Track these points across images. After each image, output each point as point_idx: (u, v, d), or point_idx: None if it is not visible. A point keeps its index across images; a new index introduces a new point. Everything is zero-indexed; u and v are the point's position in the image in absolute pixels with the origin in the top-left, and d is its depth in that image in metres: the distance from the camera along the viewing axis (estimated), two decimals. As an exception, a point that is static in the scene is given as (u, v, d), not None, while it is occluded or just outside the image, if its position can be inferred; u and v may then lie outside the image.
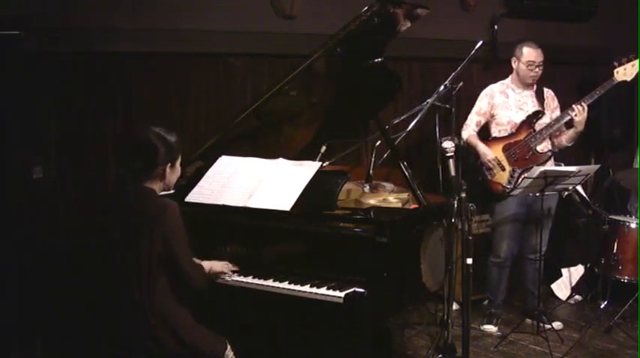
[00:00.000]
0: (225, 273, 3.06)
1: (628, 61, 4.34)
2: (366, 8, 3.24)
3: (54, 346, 3.71)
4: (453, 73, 3.79)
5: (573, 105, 4.34)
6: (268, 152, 3.46)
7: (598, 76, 4.39)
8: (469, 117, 4.04)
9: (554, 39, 6.04)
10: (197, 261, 2.91)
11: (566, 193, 4.77)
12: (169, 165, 2.77)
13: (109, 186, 3.88)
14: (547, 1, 5.84)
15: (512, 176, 4.40)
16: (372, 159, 3.75)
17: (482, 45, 3.77)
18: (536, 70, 4.43)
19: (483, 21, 5.64)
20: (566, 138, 4.50)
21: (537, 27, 5.92)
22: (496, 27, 5.65)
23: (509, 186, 4.39)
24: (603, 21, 6.21)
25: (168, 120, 4.14)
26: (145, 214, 2.68)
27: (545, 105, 4.50)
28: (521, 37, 5.67)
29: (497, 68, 4.58)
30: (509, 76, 4.57)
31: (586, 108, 4.31)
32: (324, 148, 3.76)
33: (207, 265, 2.99)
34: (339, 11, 3.87)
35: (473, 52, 3.75)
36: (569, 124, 4.42)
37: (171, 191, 3.37)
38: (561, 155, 5.41)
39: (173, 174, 2.82)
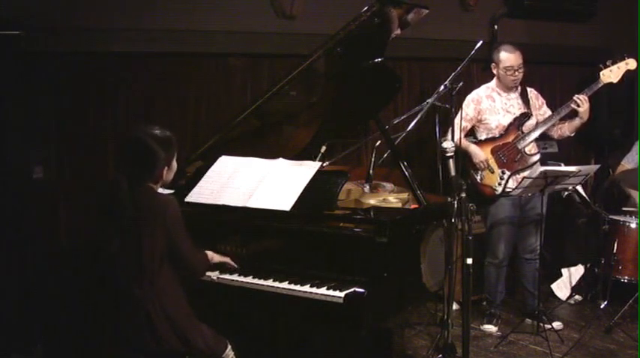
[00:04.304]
0: (226, 264, 3.10)
1: (614, 63, 4.33)
2: (365, 8, 3.24)
3: (54, 346, 3.71)
4: (453, 73, 3.79)
5: (574, 97, 4.32)
6: (268, 152, 3.46)
7: (598, 76, 4.38)
8: (455, 122, 3.90)
9: (554, 39, 6.05)
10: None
11: (566, 193, 4.77)
12: (166, 168, 2.80)
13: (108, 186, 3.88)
14: (547, 1, 5.84)
15: (501, 178, 4.40)
16: (372, 159, 3.75)
17: (482, 45, 3.77)
18: (516, 74, 4.41)
19: (483, 21, 5.64)
20: (569, 128, 4.48)
21: (537, 27, 5.92)
22: (496, 27, 5.65)
23: (498, 189, 4.39)
24: (603, 21, 6.21)
25: (168, 120, 4.14)
26: (147, 212, 2.71)
27: (530, 105, 4.50)
28: (521, 37, 5.71)
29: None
30: (494, 80, 4.54)
31: (587, 98, 4.31)
32: (324, 148, 3.75)
33: (210, 254, 3.06)
34: (339, 11, 3.87)
35: (473, 52, 3.75)
36: (571, 116, 4.41)
37: (172, 191, 3.39)
38: (561, 155, 5.43)
39: (170, 172, 2.86)
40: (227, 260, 3.12)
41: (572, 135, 4.54)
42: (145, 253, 2.68)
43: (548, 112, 4.54)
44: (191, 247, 2.81)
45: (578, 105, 4.31)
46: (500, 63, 4.41)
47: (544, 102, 4.60)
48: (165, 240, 2.70)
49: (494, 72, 4.48)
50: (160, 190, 3.09)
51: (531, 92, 4.57)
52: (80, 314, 3.70)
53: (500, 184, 4.39)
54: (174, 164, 2.86)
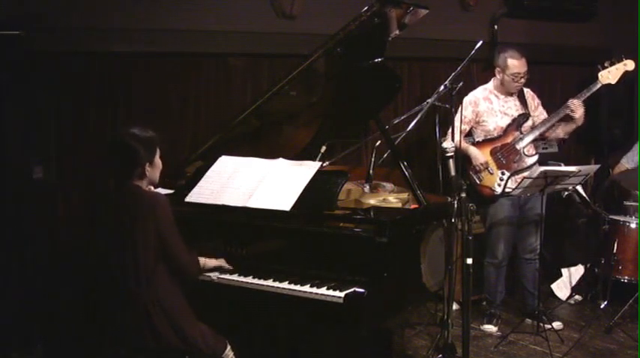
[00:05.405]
0: (221, 267, 3.09)
1: (612, 64, 4.33)
2: (366, 8, 3.24)
3: (54, 346, 3.70)
4: (453, 73, 3.78)
5: (569, 103, 4.33)
6: (268, 152, 3.46)
7: (597, 77, 4.38)
8: (454, 124, 3.91)
9: (554, 39, 6.05)
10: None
11: (566, 193, 4.77)
12: (148, 164, 2.82)
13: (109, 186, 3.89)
14: (547, 1, 5.83)
15: (500, 179, 4.39)
16: (372, 159, 3.75)
17: (482, 45, 3.77)
18: (522, 80, 4.41)
19: (483, 21, 5.63)
20: (563, 131, 4.49)
21: (537, 27, 5.92)
22: (496, 27, 5.65)
23: (498, 190, 4.39)
24: (603, 21, 6.21)
25: (168, 120, 4.15)
26: (135, 210, 2.74)
27: (528, 106, 4.50)
28: (521, 37, 5.71)
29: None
30: (492, 81, 4.54)
31: (582, 103, 4.31)
32: (324, 148, 3.75)
33: (202, 260, 3.04)
34: (339, 11, 3.87)
35: (473, 52, 3.75)
36: (567, 118, 4.41)
37: (171, 191, 3.39)
38: (561, 155, 5.43)
39: (155, 170, 2.87)
40: (222, 263, 3.11)
41: (567, 137, 4.55)
42: (140, 251, 2.71)
43: (544, 113, 4.54)
44: (181, 245, 2.81)
45: (573, 111, 4.31)
46: (506, 69, 4.39)
47: (540, 103, 4.60)
48: (158, 236, 2.72)
49: (498, 76, 4.46)
50: (160, 190, 3.10)
51: (528, 93, 4.56)
52: (80, 314, 3.70)
53: (499, 185, 4.38)
54: (158, 161, 2.88)
